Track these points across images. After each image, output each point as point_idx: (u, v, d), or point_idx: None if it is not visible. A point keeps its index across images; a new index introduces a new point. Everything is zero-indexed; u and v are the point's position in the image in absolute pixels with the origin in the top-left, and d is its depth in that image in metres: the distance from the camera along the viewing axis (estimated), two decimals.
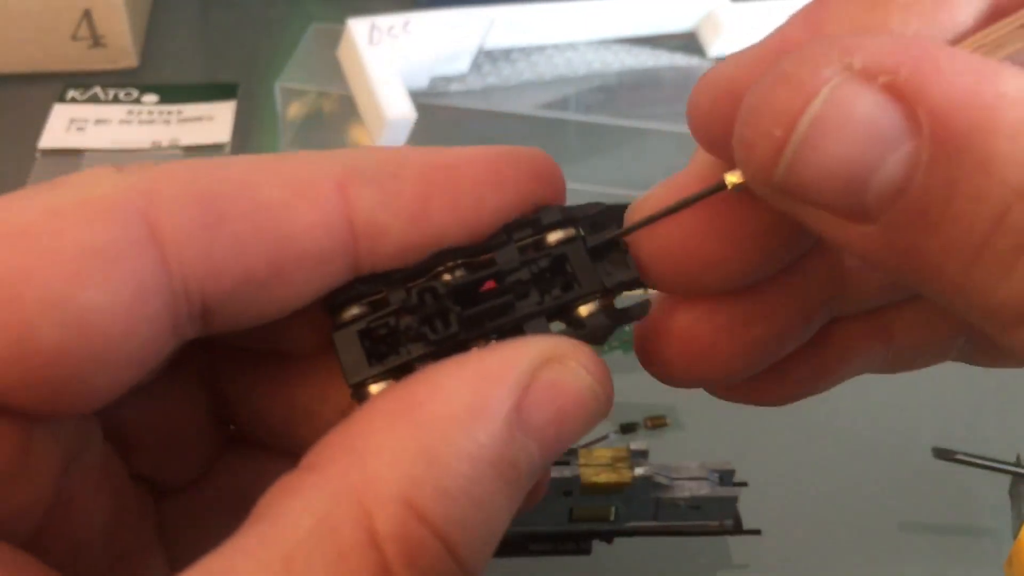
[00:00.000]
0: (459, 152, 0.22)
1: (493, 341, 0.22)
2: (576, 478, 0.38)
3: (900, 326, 0.24)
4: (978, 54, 0.19)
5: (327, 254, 0.21)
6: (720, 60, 0.64)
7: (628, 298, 0.23)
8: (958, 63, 0.17)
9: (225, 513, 0.25)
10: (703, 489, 0.39)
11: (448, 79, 0.60)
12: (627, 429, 0.46)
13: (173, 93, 0.62)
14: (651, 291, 0.23)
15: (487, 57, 0.61)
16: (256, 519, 0.18)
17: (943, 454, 0.42)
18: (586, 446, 0.39)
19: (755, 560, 0.42)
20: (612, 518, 0.40)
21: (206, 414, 0.25)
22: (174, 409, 0.24)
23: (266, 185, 0.20)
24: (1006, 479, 0.43)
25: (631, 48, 0.64)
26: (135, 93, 0.62)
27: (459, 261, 0.22)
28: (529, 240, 0.22)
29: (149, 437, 0.24)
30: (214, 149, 0.58)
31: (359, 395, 0.22)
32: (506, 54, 0.62)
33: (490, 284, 0.22)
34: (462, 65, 0.60)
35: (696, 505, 0.39)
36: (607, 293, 0.22)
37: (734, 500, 0.39)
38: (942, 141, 0.17)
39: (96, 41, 0.62)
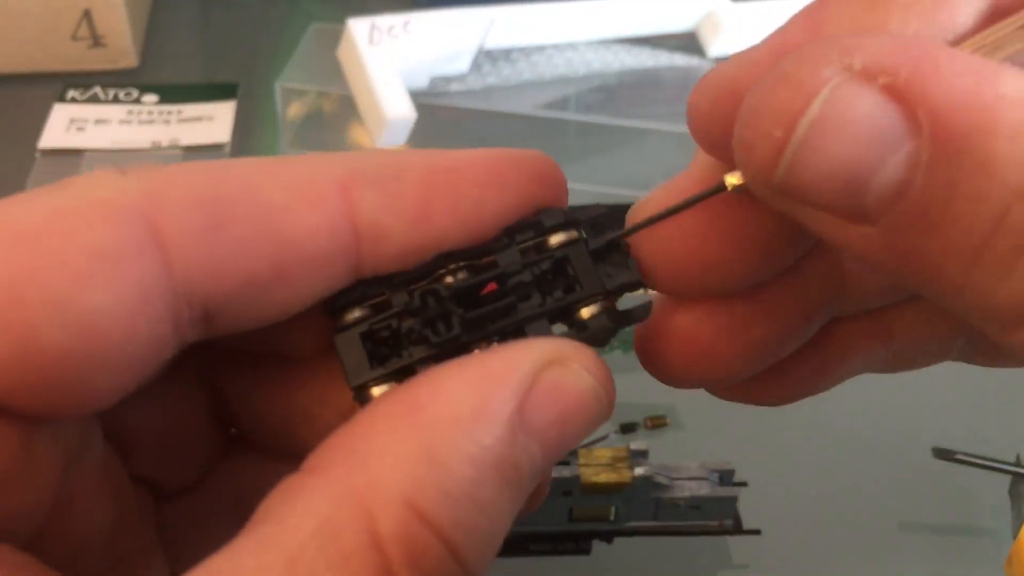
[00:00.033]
0: (461, 155, 0.22)
1: (495, 343, 0.21)
2: (576, 478, 0.38)
3: (900, 326, 0.24)
4: (978, 55, 0.19)
5: (329, 257, 0.21)
6: (720, 60, 0.64)
7: (630, 300, 0.23)
8: (958, 64, 0.17)
9: (225, 515, 0.25)
10: (703, 489, 0.39)
11: (448, 79, 0.60)
12: (627, 429, 0.47)
13: (173, 93, 0.62)
14: (652, 292, 0.23)
15: (487, 57, 0.61)
16: (259, 521, 0.18)
17: (943, 454, 0.42)
18: (586, 446, 0.39)
19: (755, 560, 0.42)
20: (612, 518, 0.40)
21: (207, 416, 0.25)
22: (175, 411, 0.24)
23: (269, 188, 0.20)
24: (1006, 479, 0.43)
25: (631, 48, 0.64)
26: (135, 93, 0.62)
27: (461, 263, 0.22)
28: (531, 242, 0.22)
29: (150, 439, 0.24)
30: (214, 149, 0.58)
31: (361, 397, 0.22)
32: (506, 54, 0.62)
33: (492, 286, 0.22)
34: (462, 65, 0.60)
35: (696, 505, 0.39)
36: (609, 295, 0.22)
37: (734, 500, 0.39)
38: (942, 142, 0.17)
39: (96, 41, 0.63)
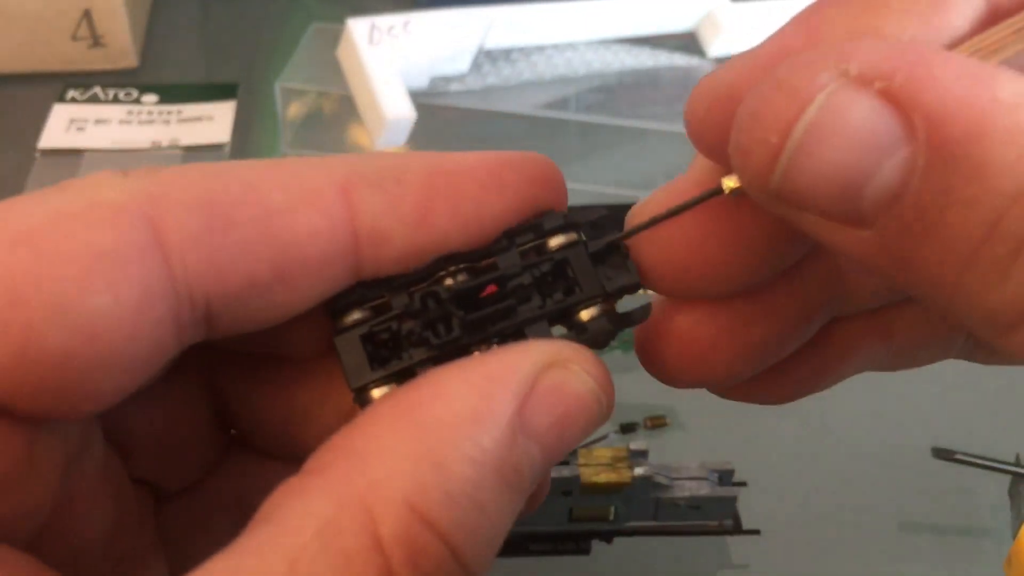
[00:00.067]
0: (461, 157, 0.22)
1: (495, 345, 0.22)
2: (576, 478, 0.38)
3: (901, 325, 0.24)
4: (974, 58, 0.19)
5: (330, 259, 0.21)
6: (720, 60, 0.64)
7: (629, 301, 0.23)
8: (953, 68, 0.17)
9: (225, 517, 0.25)
10: (703, 489, 0.39)
11: (448, 79, 0.60)
12: (627, 429, 0.47)
13: (173, 93, 0.62)
14: (651, 293, 0.23)
15: (487, 57, 0.61)
16: (260, 522, 0.19)
17: (943, 454, 0.42)
18: (586, 446, 0.39)
19: (755, 560, 0.42)
20: (612, 518, 0.40)
21: (207, 418, 0.25)
22: (175, 413, 0.24)
23: (269, 190, 0.20)
24: (1006, 479, 0.43)
25: (631, 48, 0.64)
26: (135, 93, 0.62)
27: (461, 266, 0.22)
28: (531, 245, 0.22)
29: (150, 440, 0.24)
30: (214, 149, 0.58)
31: (361, 399, 0.22)
32: (506, 54, 0.62)
33: (492, 289, 0.22)
34: (462, 65, 0.60)
35: (696, 505, 0.39)
36: (608, 297, 0.22)
37: (733, 500, 0.39)
38: (937, 147, 0.17)
39: (96, 41, 0.63)
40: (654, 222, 0.22)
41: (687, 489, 0.39)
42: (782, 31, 0.20)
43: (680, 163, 0.22)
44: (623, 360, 0.45)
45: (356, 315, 0.22)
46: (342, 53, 0.58)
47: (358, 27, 0.57)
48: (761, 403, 0.25)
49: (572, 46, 0.63)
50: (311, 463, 0.19)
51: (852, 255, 0.18)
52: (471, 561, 0.18)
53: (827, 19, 0.20)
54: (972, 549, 0.43)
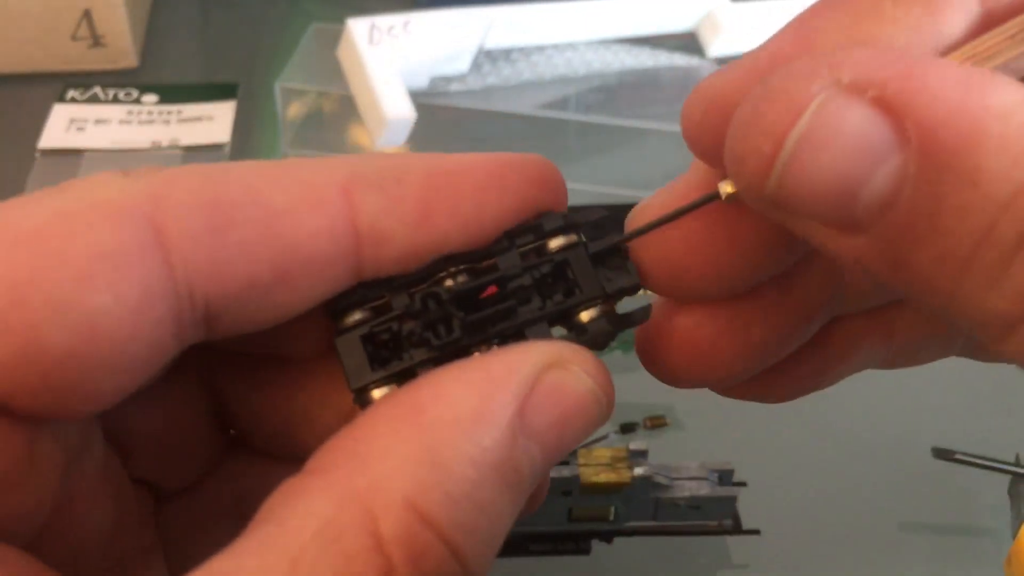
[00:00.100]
0: (462, 158, 0.22)
1: (495, 346, 0.22)
2: (576, 478, 0.38)
3: (902, 324, 0.24)
4: (968, 65, 0.19)
5: (331, 259, 0.21)
6: (720, 60, 0.64)
7: (629, 303, 0.23)
8: (946, 76, 0.17)
9: (225, 517, 0.25)
10: (702, 489, 0.39)
11: (448, 79, 0.60)
12: (627, 429, 0.47)
13: (173, 93, 0.62)
14: (651, 294, 0.23)
15: (487, 57, 0.61)
16: (260, 522, 0.19)
17: (943, 454, 0.42)
18: (586, 446, 0.39)
19: (755, 560, 0.42)
20: (612, 518, 0.40)
21: (207, 418, 0.25)
22: (175, 413, 0.24)
23: (270, 191, 0.20)
24: (1006, 479, 0.43)
25: (631, 48, 0.64)
26: (135, 93, 0.62)
27: (461, 267, 0.22)
28: (531, 246, 0.22)
29: (150, 440, 0.24)
30: (214, 149, 0.58)
31: (362, 400, 0.22)
32: (506, 54, 0.62)
33: (492, 290, 0.22)
34: (462, 65, 0.60)
35: (695, 505, 0.39)
36: (608, 299, 0.22)
37: (733, 500, 0.39)
38: (930, 155, 0.17)
39: (96, 41, 0.63)
40: (653, 226, 0.22)
41: (687, 489, 0.39)
42: (777, 37, 0.20)
43: (680, 163, 0.22)
44: (623, 360, 0.46)
45: (357, 316, 0.22)
46: (342, 53, 0.58)
47: (358, 27, 0.57)
48: (762, 401, 0.25)
49: (572, 46, 0.63)
50: (311, 463, 0.19)
51: (848, 260, 0.18)
52: (471, 561, 0.18)
53: (821, 26, 0.20)
54: (972, 549, 0.43)
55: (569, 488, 0.38)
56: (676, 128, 0.21)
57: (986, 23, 0.19)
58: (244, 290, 0.20)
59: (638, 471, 0.38)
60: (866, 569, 0.43)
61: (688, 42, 0.65)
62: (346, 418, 0.21)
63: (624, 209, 0.23)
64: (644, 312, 0.23)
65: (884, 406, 0.47)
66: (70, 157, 0.58)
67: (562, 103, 0.62)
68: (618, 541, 0.41)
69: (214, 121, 0.60)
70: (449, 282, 0.22)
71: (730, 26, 0.63)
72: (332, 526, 0.18)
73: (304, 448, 0.20)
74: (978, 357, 0.25)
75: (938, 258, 0.17)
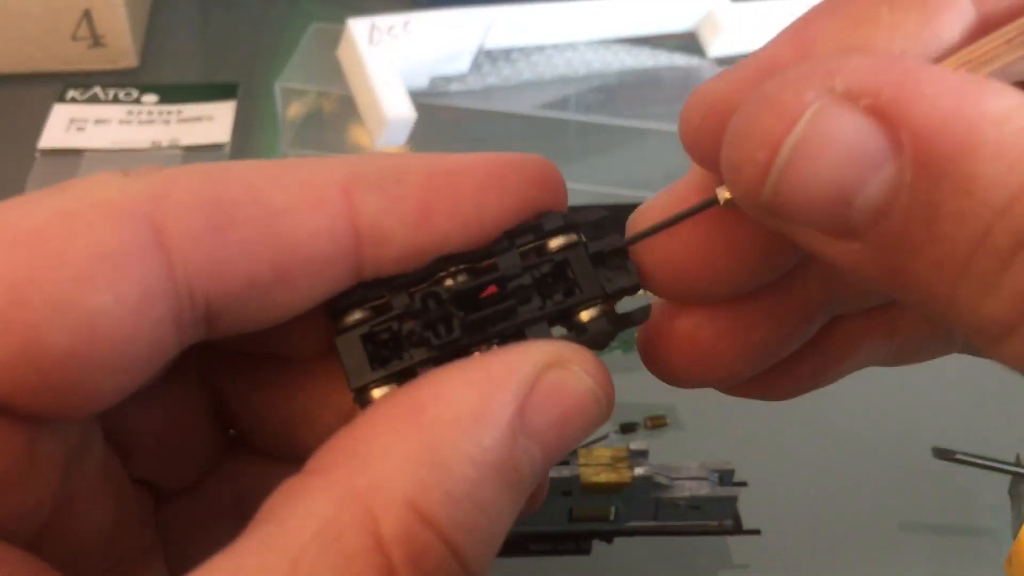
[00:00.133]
0: (462, 158, 0.22)
1: (495, 346, 0.22)
2: (576, 478, 0.38)
3: (903, 322, 0.24)
4: (963, 70, 0.19)
5: (331, 259, 0.21)
6: (720, 60, 0.64)
7: (629, 302, 0.23)
8: (940, 83, 0.17)
9: (225, 517, 0.25)
10: (703, 489, 0.39)
11: (448, 79, 0.60)
12: (627, 429, 0.47)
13: (173, 93, 0.62)
14: (651, 294, 0.23)
15: (487, 57, 0.61)
16: (261, 521, 0.19)
17: (943, 454, 0.42)
18: (586, 446, 0.39)
19: (755, 560, 0.42)
20: (612, 518, 0.40)
21: (207, 418, 0.25)
22: (175, 412, 0.24)
23: (270, 190, 0.20)
24: (1006, 479, 0.43)
25: (631, 48, 0.64)
26: (135, 93, 0.62)
27: (461, 266, 0.22)
28: (531, 246, 0.22)
29: (149, 440, 0.24)
30: (214, 149, 0.58)
31: (362, 399, 0.22)
32: (506, 54, 0.62)
33: (492, 289, 0.22)
34: (462, 65, 0.60)
35: (696, 505, 0.39)
36: (608, 299, 0.22)
37: (734, 500, 0.39)
38: (924, 163, 0.17)
39: (96, 41, 0.63)
40: (652, 231, 0.22)
41: (687, 489, 0.39)
42: (774, 43, 0.20)
43: (680, 163, 0.22)
44: (623, 360, 0.46)
45: (357, 315, 0.22)
46: (342, 53, 0.58)
47: (358, 27, 0.57)
48: (763, 399, 0.25)
49: (572, 46, 0.63)
50: (312, 463, 0.19)
51: (844, 266, 0.18)
52: (471, 561, 0.18)
53: (817, 32, 0.20)
54: (972, 549, 0.43)
55: (569, 488, 0.38)
56: (676, 128, 0.21)
57: (982, 28, 0.19)
58: (244, 290, 0.20)
59: (638, 471, 0.38)
60: (866, 569, 0.43)
61: (688, 42, 0.65)
62: (346, 418, 0.21)
63: (624, 209, 0.23)
64: (644, 312, 0.23)
65: (884, 406, 0.47)
66: (70, 157, 0.58)
67: (562, 103, 0.62)
68: (618, 541, 0.41)
69: (214, 121, 0.60)
70: (449, 282, 0.22)
71: (730, 26, 0.63)
72: (332, 526, 0.18)
73: (304, 448, 0.20)
74: (979, 354, 0.25)
75: (934, 264, 0.17)
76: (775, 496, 0.43)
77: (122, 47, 0.63)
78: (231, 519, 0.25)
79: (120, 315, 0.19)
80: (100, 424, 0.22)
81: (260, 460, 0.25)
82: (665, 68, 0.64)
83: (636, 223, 0.23)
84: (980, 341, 0.18)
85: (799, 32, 0.20)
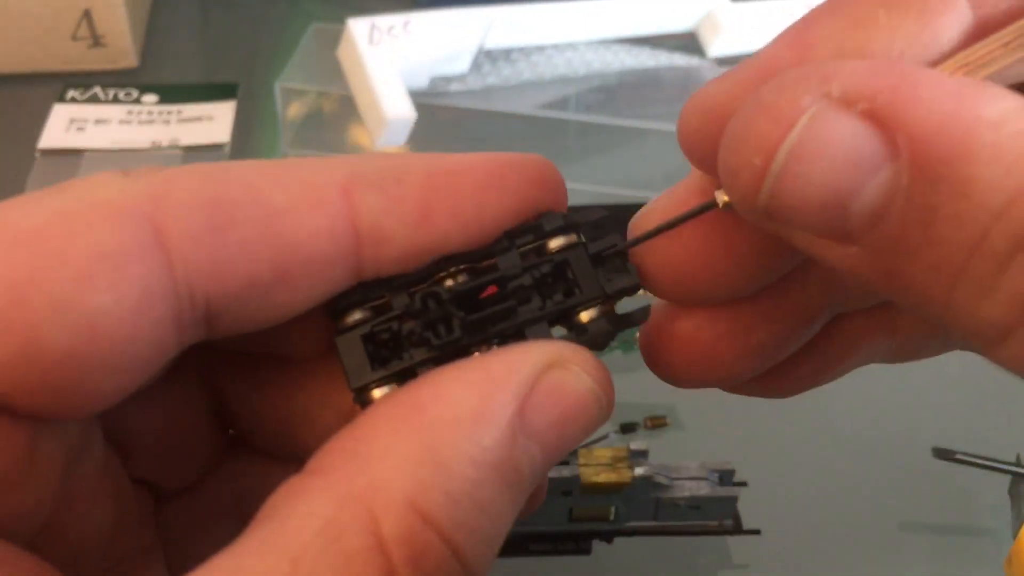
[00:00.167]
0: (462, 158, 0.22)
1: (495, 346, 0.22)
2: (576, 478, 0.38)
3: (904, 321, 0.24)
4: (961, 73, 0.19)
5: (331, 259, 0.21)
6: (720, 60, 0.64)
7: (629, 303, 0.23)
8: (937, 87, 0.17)
9: (225, 517, 0.25)
10: (703, 489, 0.39)
11: (448, 79, 0.60)
12: (627, 429, 0.47)
13: (173, 93, 0.62)
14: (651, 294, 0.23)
15: (487, 57, 0.61)
16: (261, 521, 0.19)
17: (943, 454, 0.42)
18: (586, 446, 0.39)
19: (755, 560, 0.42)
20: (612, 518, 0.40)
21: (206, 418, 0.25)
22: (175, 412, 0.24)
23: (270, 190, 0.20)
24: (1006, 479, 0.43)
25: (631, 48, 0.64)
26: (135, 93, 0.62)
27: (461, 266, 0.22)
28: (531, 246, 0.22)
29: (149, 440, 0.24)
30: (214, 149, 0.58)
31: (362, 399, 0.22)
32: (506, 54, 0.62)
33: (492, 289, 0.22)
34: (462, 65, 0.60)
35: (696, 505, 0.39)
36: (608, 299, 0.22)
37: (734, 500, 0.39)
38: (921, 166, 0.17)
39: (96, 41, 0.63)
40: (651, 235, 0.22)
41: (687, 489, 0.39)
42: (771, 46, 0.20)
43: (680, 163, 0.22)
44: (623, 360, 0.46)
45: (357, 315, 0.22)
46: (342, 53, 0.58)
47: (358, 27, 0.57)
48: (766, 396, 0.25)
49: (572, 46, 0.63)
50: (312, 463, 0.19)
51: (842, 270, 0.19)
52: (472, 560, 0.19)
53: (816, 34, 0.20)
54: (972, 549, 0.43)
55: (569, 488, 0.38)
56: (676, 128, 0.21)
57: (980, 31, 0.19)
58: (244, 290, 0.20)
59: (638, 471, 0.38)
60: (866, 569, 0.43)
61: (688, 42, 0.65)
62: (346, 418, 0.21)
63: (624, 209, 0.23)
64: (644, 312, 0.23)
65: (884, 406, 0.47)
66: (70, 157, 0.58)
67: (562, 103, 0.62)
68: (618, 541, 0.41)
69: (214, 121, 0.60)
70: (449, 282, 0.22)
71: (730, 26, 0.63)
72: (333, 526, 0.18)
73: (304, 448, 0.20)
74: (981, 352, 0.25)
75: (931, 268, 0.17)
76: (775, 496, 0.43)
77: (122, 47, 0.63)
78: (231, 519, 0.25)
79: (120, 315, 0.19)
80: (100, 424, 0.22)
81: (260, 460, 0.25)
82: (665, 68, 0.64)
83: (638, 226, 0.23)
84: (978, 344, 0.18)
85: (798, 34, 0.20)
